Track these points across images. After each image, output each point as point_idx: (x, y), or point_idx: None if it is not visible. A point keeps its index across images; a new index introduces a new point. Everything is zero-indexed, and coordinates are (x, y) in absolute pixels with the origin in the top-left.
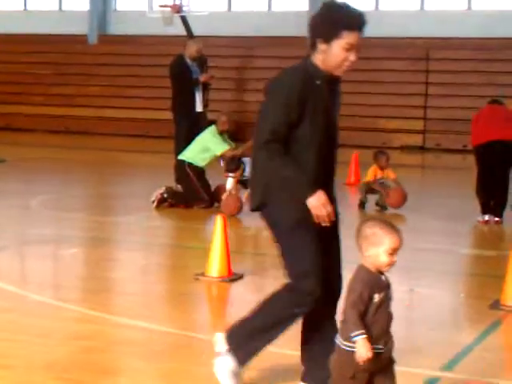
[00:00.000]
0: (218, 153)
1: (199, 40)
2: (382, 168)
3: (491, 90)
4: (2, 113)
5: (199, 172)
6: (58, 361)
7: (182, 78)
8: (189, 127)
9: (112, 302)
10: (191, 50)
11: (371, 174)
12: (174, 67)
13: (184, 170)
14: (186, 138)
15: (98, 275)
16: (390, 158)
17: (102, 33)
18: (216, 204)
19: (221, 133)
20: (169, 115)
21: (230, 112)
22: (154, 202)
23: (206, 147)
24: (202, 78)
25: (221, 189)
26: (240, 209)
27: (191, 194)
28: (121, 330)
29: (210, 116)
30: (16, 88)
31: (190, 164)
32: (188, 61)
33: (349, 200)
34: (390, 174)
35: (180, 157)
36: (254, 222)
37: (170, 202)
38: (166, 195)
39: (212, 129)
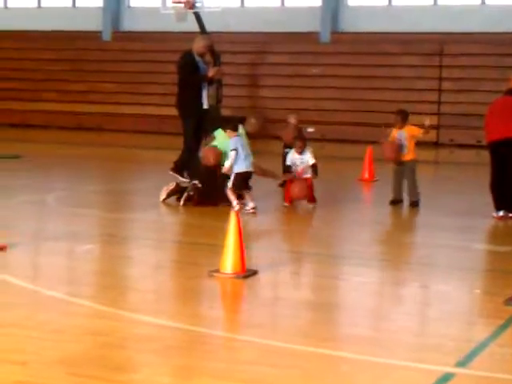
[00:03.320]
0: None
1: (208, 36)
2: (398, 128)
3: (505, 85)
4: (17, 110)
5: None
6: (71, 357)
7: (190, 73)
8: (196, 124)
9: (126, 298)
10: (199, 45)
11: (392, 134)
12: (183, 63)
13: (209, 167)
14: (194, 134)
15: (112, 271)
16: (405, 116)
17: (116, 29)
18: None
19: (247, 135)
20: None
21: (259, 115)
22: (164, 200)
23: None
24: (210, 72)
25: None
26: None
27: (216, 191)
28: (134, 326)
29: (225, 112)
30: (30, 85)
31: None
32: (196, 57)
33: (363, 196)
34: (407, 131)
35: None
36: (268, 219)
37: (196, 199)
38: (191, 193)
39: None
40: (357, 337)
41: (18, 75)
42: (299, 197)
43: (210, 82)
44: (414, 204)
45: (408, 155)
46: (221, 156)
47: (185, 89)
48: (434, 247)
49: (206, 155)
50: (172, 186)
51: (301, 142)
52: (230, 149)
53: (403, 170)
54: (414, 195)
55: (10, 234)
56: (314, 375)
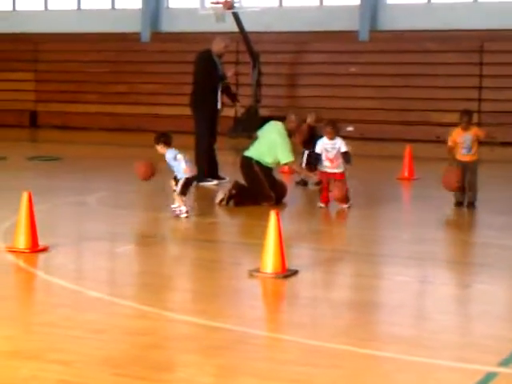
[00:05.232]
0: (283, 162)
1: (227, 36)
2: (464, 129)
3: None
4: (58, 111)
5: (267, 169)
6: (113, 356)
7: (209, 73)
8: (210, 124)
9: (167, 297)
10: (220, 46)
11: (453, 136)
12: (202, 62)
13: (252, 168)
14: (208, 135)
15: (153, 271)
16: (471, 117)
17: (155, 30)
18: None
19: (288, 132)
20: (225, 112)
21: (299, 111)
22: (222, 201)
23: (274, 151)
24: (229, 72)
25: (285, 185)
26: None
27: (258, 191)
28: (176, 326)
29: (263, 111)
30: (70, 87)
31: (257, 162)
32: (215, 57)
33: (403, 195)
34: (473, 132)
35: (247, 153)
36: (309, 217)
37: (238, 199)
38: (234, 191)
39: (280, 129)
40: (399, 336)
41: (58, 77)
42: (339, 198)
43: (257, 81)
44: (472, 205)
45: (472, 156)
46: (154, 170)
47: (202, 89)
48: (476, 246)
49: (137, 168)
50: (230, 189)
51: (330, 126)
52: (175, 154)
53: (465, 171)
54: (473, 196)
55: (52, 235)
56: (355, 375)
